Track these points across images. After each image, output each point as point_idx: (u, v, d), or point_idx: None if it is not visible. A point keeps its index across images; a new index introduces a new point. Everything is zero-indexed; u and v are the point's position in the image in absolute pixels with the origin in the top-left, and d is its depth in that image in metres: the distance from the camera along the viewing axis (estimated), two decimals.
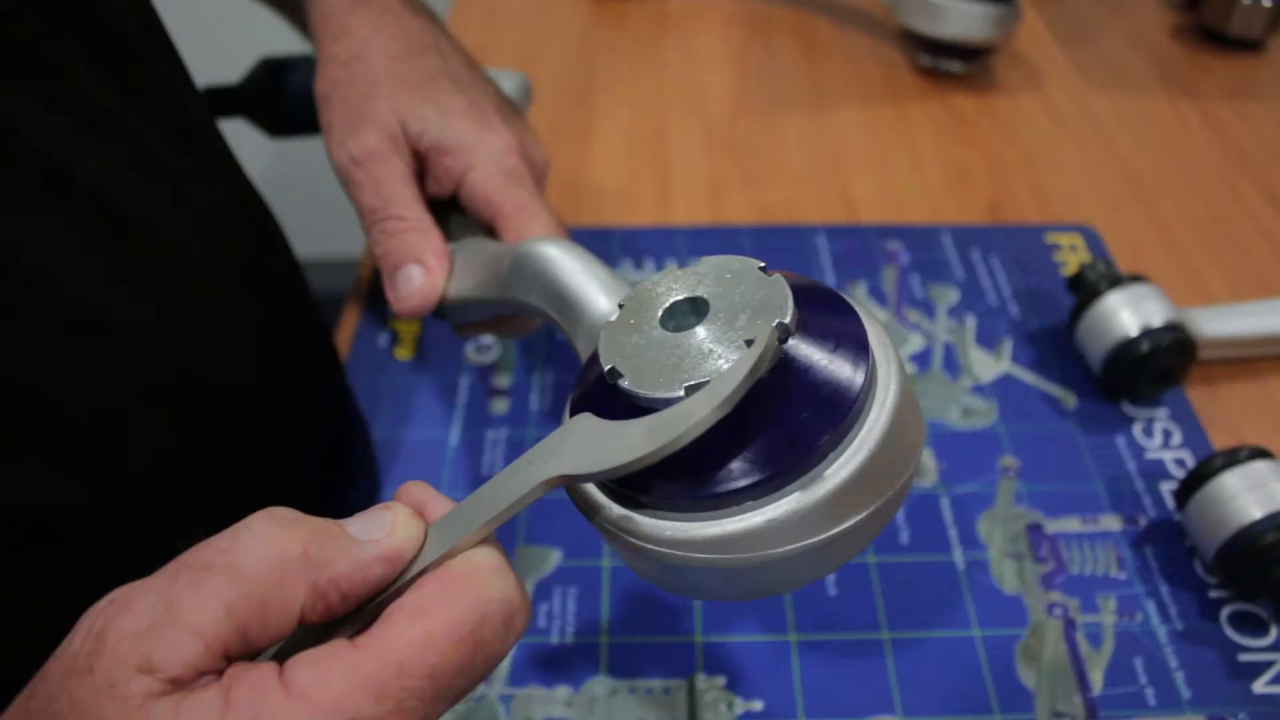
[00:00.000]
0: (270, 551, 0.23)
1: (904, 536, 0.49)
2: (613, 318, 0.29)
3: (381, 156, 0.43)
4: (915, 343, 0.58)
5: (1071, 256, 0.64)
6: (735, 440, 0.24)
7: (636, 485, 0.26)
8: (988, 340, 0.58)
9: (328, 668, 0.22)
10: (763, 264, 0.27)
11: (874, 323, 0.27)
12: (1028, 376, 0.56)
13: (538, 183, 0.44)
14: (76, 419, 0.34)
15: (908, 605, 0.46)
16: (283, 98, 0.69)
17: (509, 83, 0.63)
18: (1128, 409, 0.54)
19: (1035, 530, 0.49)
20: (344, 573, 0.24)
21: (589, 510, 0.28)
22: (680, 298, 0.28)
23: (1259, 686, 0.43)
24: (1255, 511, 0.43)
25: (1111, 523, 0.49)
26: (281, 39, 0.68)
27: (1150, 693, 0.43)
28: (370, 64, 0.44)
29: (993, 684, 0.43)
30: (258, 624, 0.23)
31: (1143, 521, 0.49)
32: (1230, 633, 0.45)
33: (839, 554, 0.26)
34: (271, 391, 0.46)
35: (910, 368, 0.57)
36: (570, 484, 0.26)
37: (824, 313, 0.27)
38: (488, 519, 0.25)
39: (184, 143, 0.42)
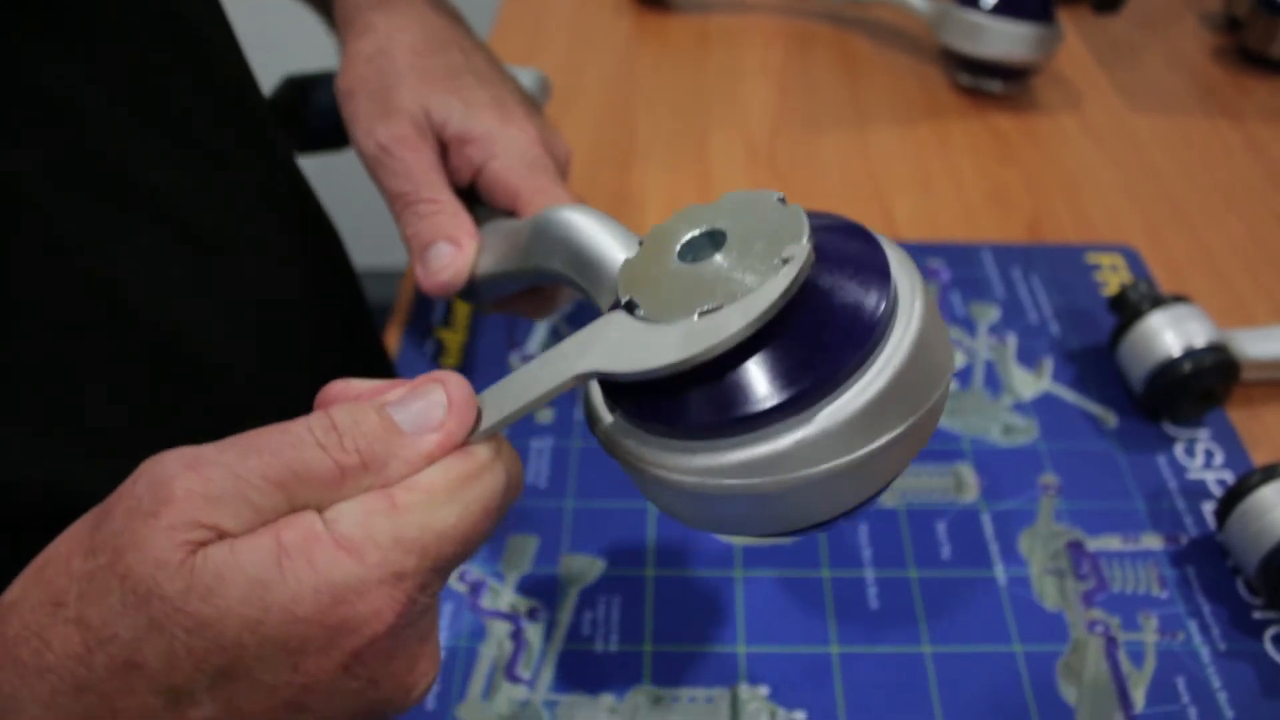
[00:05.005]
0: (328, 456, 0.25)
1: (945, 552, 0.49)
2: (632, 255, 0.29)
3: (411, 143, 0.43)
4: (957, 360, 0.59)
5: (1112, 276, 0.64)
6: (763, 363, 0.25)
7: (665, 414, 0.26)
8: (1028, 358, 0.59)
9: (373, 526, 0.24)
10: (781, 195, 0.28)
11: (896, 249, 0.28)
12: (1068, 395, 0.56)
13: (560, 173, 0.45)
14: (124, 414, 0.35)
15: (949, 620, 0.46)
16: (310, 114, 0.70)
17: (527, 78, 0.64)
18: (1169, 429, 0.54)
19: (1076, 548, 0.49)
20: (395, 475, 0.25)
21: (618, 449, 0.28)
22: (698, 232, 0.28)
23: None
24: None
25: (1153, 541, 0.49)
26: (304, 58, 0.69)
27: (1193, 712, 0.43)
28: (394, 58, 0.45)
29: (1034, 700, 0.43)
30: (313, 500, 0.25)
31: (1184, 541, 0.49)
32: (1274, 653, 0.45)
33: (873, 476, 0.26)
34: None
35: (952, 385, 0.57)
36: (593, 381, 0.27)
37: (845, 239, 0.27)
38: (517, 407, 0.26)
39: (261, 158, 0.43)
